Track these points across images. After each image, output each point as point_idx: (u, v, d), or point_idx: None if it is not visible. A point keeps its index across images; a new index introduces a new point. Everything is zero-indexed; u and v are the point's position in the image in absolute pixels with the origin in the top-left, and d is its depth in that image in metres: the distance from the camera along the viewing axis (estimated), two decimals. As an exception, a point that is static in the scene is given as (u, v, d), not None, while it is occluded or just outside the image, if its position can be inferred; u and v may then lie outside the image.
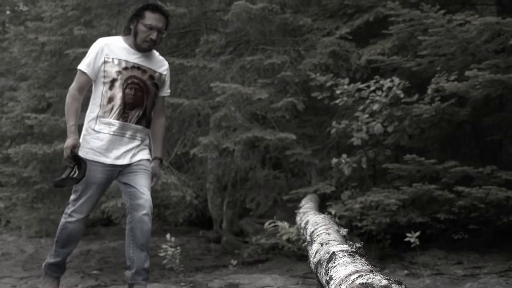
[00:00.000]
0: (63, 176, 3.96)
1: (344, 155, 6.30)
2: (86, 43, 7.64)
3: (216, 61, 7.25)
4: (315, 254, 3.01)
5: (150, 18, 4.13)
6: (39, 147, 7.10)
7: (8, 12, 16.46)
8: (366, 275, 2.12)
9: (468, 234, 6.38)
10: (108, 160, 4.06)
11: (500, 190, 5.42)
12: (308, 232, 3.96)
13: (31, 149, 7.09)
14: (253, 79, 7.20)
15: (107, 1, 8.05)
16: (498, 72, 5.50)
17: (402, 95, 5.99)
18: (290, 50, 7.33)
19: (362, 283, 2.04)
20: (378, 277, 2.06)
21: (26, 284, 6.44)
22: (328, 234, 3.36)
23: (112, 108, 4.06)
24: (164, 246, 5.75)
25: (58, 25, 8.03)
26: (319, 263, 2.82)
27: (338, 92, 6.31)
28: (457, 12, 6.14)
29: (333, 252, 2.63)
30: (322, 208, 6.03)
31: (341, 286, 2.17)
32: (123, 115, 4.05)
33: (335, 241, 3.07)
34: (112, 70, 4.04)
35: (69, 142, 3.92)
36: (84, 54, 7.33)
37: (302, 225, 4.66)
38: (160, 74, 4.21)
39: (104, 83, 4.08)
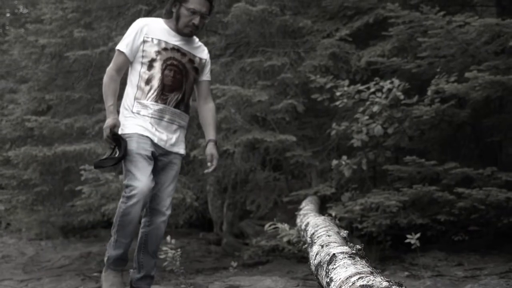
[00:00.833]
0: (104, 156, 3.84)
1: (344, 157, 6.30)
2: (86, 45, 7.66)
3: (216, 63, 7.25)
4: (316, 256, 3.01)
5: (194, 2, 3.94)
6: (39, 150, 7.10)
7: (8, 15, 16.46)
8: (367, 277, 2.12)
9: (468, 236, 6.38)
10: (155, 138, 3.93)
11: (501, 192, 5.42)
12: (309, 234, 3.96)
13: (31, 152, 7.09)
14: (253, 81, 7.20)
15: (107, 4, 8.06)
16: (498, 74, 5.50)
17: (402, 97, 5.99)
18: (290, 52, 7.33)
19: (363, 285, 2.04)
20: (378, 279, 2.06)
21: (27, 286, 6.44)
22: (329, 236, 3.36)
23: (150, 90, 3.93)
24: (164, 248, 5.74)
25: (58, 27, 8.03)
26: (319, 265, 2.82)
27: (338, 94, 6.32)
28: (456, 13, 6.15)
29: (334, 254, 2.63)
30: (322, 210, 6.03)
31: (342, 288, 2.17)
32: (161, 97, 3.93)
33: (336, 243, 3.06)
34: (151, 49, 3.92)
35: (108, 121, 3.80)
36: (84, 56, 7.42)
37: (303, 227, 4.66)
38: (200, 59, 4.10)
39: (142, 63, 3.95)
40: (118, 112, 3.96)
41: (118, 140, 3.79)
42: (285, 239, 6.03)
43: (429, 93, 5.92)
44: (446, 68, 6.06)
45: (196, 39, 4.15)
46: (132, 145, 3.82)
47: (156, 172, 3.95)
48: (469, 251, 6.13)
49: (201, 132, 7.85)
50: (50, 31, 8.09)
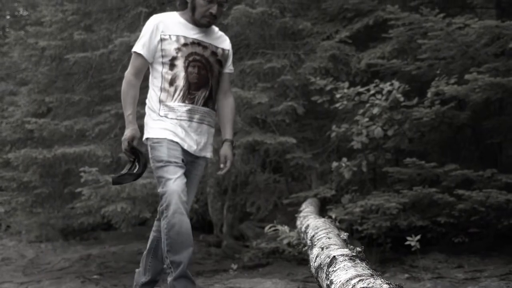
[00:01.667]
0: (123, 171, 3.62)
1: (344, 159, 6.30)
2: (86, 48, 7.66)
3: (216, 65, 7.25)
4: (316, 258, 3.01)
5: None
6: (39, 152, 7.10)
7: (8, 17, 16.47)
8: (367, 279, 2.11)
9: (468, 238, 6.37)
10: (185, 145, 3.71)
11: (501, 193, 5.42)
12: (309, 236, 3.96)
13: (31, 154, 7.08)
14: (253, 83, 7.21)
15: (107, 6, 8.06)
16: (498, 76, 5.51)
17: (402, 99, 6.00)
18: (290, 54, 7.33)
19: (363, 287, 2.04)
20: (378, 281, 2.06)
21: (27, 289, 6.44)
22: (329, 238, 3.36)
23: (175, 90, 3.67)
24: (164, 250, 5.74)
25: (58, 29, 8.03)
26: (319, 267, 2.82)
27: (338, 96, 6.32)
28: (456, 15, 6.15)
29: (334, 256, 2.63)
30: (322, 212, 6.03)
31: (342, 291, 2.17)
32: (188, 97, 3.68)
33: (336, 245, 3.06)
34: (171, 47, 3.66)
35: (127, 133, 3.59)
36: (84, 59, 7.43)
37: (303, 229, 4.66)
38: (223, 49, 3.85)
39: (163, 63, 3.69)
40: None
41: (137, 154, 3.58)
42: (285, 241, 6.03)
43: (429, 95, 5.92)
44: (446, 70, 6.06)
45: (216, 29, 3.90)
46: (163, 151, 3.62)
47: None
48: (469, 253, 6.13)
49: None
50: (50, 34, 8.10)
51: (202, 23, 3.73)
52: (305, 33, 7.34)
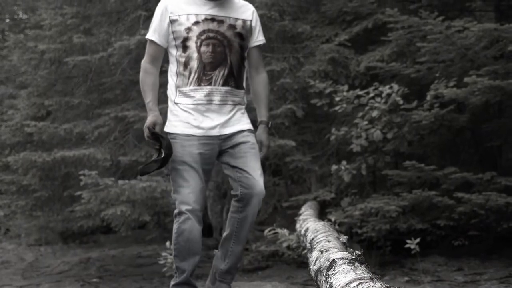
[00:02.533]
0: (149, 160, 3.44)
1: (344, 162, 6.30)
2: (86, 51, 7.66)
3: (216, 68, 7.25)
4: (315, 262, 3.01)
5: None
6: (39, 155, 7.10)
7: (7, 20, 16.47)
8: (366, 282, 2.11)
9: (468, 241, 6.37)
10: (201, 132, 3.43)
11: (500, 196, 5.42)
12: (308, 239, 3.96)
13: (31, 157, 7.09)
14: (252, 86, 7.20)
15: (107, 9, 8.06)
16: (497, 78, 5.51)
17: (401, 102, 6.00)
18: (289, 57, 7.34)
19: (362, 290, 2.03)
20: (378, 284, 2.06)
21: (26, 292, 6.44)
22: (328, 241, 3.36)
23: (190, 73, 3.44)
24: (164, 253, 5.75)
25: (58, 33, 8.04)
26: (319, 270, 2.81)
27: (337, 99, 6.32)
28: (455, 18, 6.15)
29: (333, 260, 2.62)
30: (322, 215, 6.02)
31: (341, 294, 2.17)
32: (204, 79, 3.42)
33: (335, 248, 3.06)
34: (181, 28, 3.41)
35: (148, 120, 3.41)
36: (83, 62, 7.43)
37: (302, 232, 4.66)
38: (244, 20, 3.51)
39: (176, 46, 3.46)
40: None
41: (159, 139, 3.35)
42: (284, 245, 6.03)
43: (428, 98, 5.93)
44: (445, 73, 6.07)
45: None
46: (177, 150, 3.40)
47: (236, 161, 3.46)
48: (469, 256, 6.13)
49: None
50: (50, 37, 8.10)
51: None
52: (305, 36, 7.34)
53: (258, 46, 3.63)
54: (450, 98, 5.69)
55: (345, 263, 2.53)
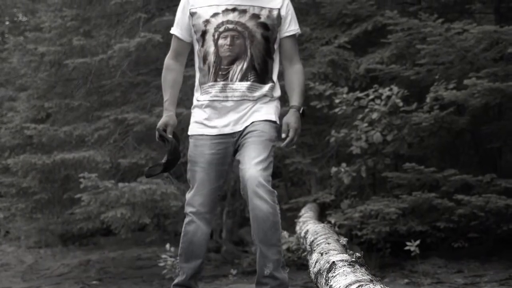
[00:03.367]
0: (155, 163, 3.38)
1: (344, 164, 6.30)
2: (85, 53, 7.66)
3: (215, 71, 7.24)
4: (315, 264, 3.01)
5: None
6: (38, 157, 7.09)
7: (7, 23, 16.47)
8: (366, 285, 2.11)
9: (468, 243, 6.37)
10: (214, 131, 3.28)
11: (500, 198, 5.42)
12: (308, 241, 3.96)
13: (30, 160, 7.08)
14: (252, 88, 7.20)
15: (106, 12, 8.06)
16: (497, 81, 5.51)
17: (401, 104, 6.00)
18: (289, 59, 7.33)
19: (362, 293, 2.03)
20: (378, 286, 2.06)
21: (26, 295, 6.43)
22: (328, 243, 3.35)
23: (208, 69, 3.28)
24: (163, 256, 5.75)
25: (57, 35, 8.03)
26: (319, 272, 2.81)
27: (337, 101, 6.32)
28: (455, 20, 6.16)
29: (333, 262, 2.62)
30: (321, 217, 6.02)
31: (341, 296, 2.17)
32: (220, 74, 3.24)
33: (335, 250, 3.06)
34: (199, 21, 3.26)
35: (160, 120, 3.32)
36: (83, 64, 7.43)
37: (302, 234, 4.65)
38: (271, 9, 3.28)
39: (197, 40, 3.32)
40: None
41: (167, 142, 3.27)
42: (284, 247, 6.02)
43: (428, 100, 5.93)
44: (445, 75, 6.07)
45: None
46: (191, 150, 3.31)
47: (239, 154, 3.25)
48: (469, 258, 6.12)
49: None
50: (49, 39, 8.10)
51: None
52: (304, 38, 7.34)
53: (291, 36, 3.38)
54: (450, 100, 5.69)
55: (345, 265, 2.53)
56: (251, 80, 3.26)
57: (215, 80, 3.26)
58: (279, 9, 3.30)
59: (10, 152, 8.30)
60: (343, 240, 3.59)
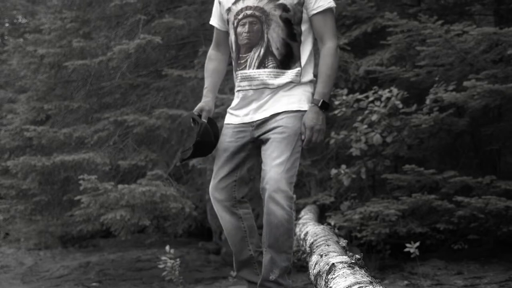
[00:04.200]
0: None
1: (343, 166, 6.30)
2: (85, 55, 7.67)
3: (215, 72, 7.24)
4: (315, 266, 3.01)
5: None
6: (38, 159, 7.10)
7: (7, 25, 16.49)
8: (366, 286, 2.11)
9: (468, 244, 6.37)
10: (237, 120, 3.24)
11: (500, 200, 5.41)
12: (308, 243, 3.96)
13: (30, 161, 7.09)
14: (251, 90, 7.20)
15: (106, 13, 8.07)
16: (497, 82, 5.51)
17: (400, 106, 6.00)
18: (288, 61, 7.33)
19: (362, 294, 2.03)
20: (378, 288, 2.05)
21: (25, 296, 6.43)
22: (328, 245, 3.35)
23: (233, 58, 3.28)
24: (163, 257, 5.74)
25: (57, 37, 8.04)
26: (318, 274, 2.81)
27: (336, 102, 6.32)
28: (454, 22, 6.16)
29: (333, 264, 2.62)
30: (321, 219, 6.02)
31: (341, 298, 2.17)
32: (240, 63, 3.19)
33: (335, 252, 3.06)
34: (223, 10, 3.24)
35: (197, 106, 3.28)
36: (83, 66, 7.44)
37: (302, 236, 4.65)
38: None
39: (228, 29, 3.29)
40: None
41: (197, 123, 3.22)
42: (284, 249, 6.01)
43: (427, 101, 5.93)
44: (445, 77, 6.07)
45: None
46: (220, 138, 3.28)
47: (262, 149, 3.18)
48: (468, 260, 6.12)
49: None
50: (49, 41, 8.11)
51: None
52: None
53: (319, 13, 3.13)
54: (449, 102, 5.69)
55: (344, 267, 2.53)
56: (270, 67, 3.14)
57: (237, 70, 3.23)
58: None
59: (9, 154, 8.31)
60: (343, 242, 3.59)
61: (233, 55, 3.26)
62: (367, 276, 2.35)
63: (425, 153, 6.64)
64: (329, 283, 2.47)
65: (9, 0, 14.96)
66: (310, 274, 3.14)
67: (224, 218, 3.26)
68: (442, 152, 6.81)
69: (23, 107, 8.31)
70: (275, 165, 3.02)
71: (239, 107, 3.24)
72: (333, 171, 6.32)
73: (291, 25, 3.12)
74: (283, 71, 3.14)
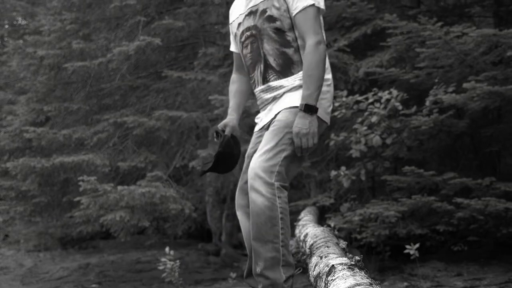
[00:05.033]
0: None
1: (343, 167, 6.30)
2: (85, 57, 7.67)
3: (215, 74, 7.26)
4: (315, 267, 3.00)
5: None
6: (38, 161, 7.10)
7: (6, 26, 16.49)
8: (366, 288, 2.11)
9: (467, 246, 6.37)
10: (257, 127, 3.36)
11: (499, 202, 5.41)
12: (307, 244, 3.95)
13: (30, 163, 7.08)
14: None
15: (106, 15, 8.07)
16: (496, 84, 5.52)
17: (400, 107, 6.00)
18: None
19: (362, 296, 2.03)
20: (377, 290, 2.05)
21: (25, 298, 6.42)
22: (328, 247, 3.35)
23: (249, 79, 3.33)
24: (163, 259, 5.74)
25: (57, 38, 8.05)
26: (318, 276, 2.81)
27: (336, 104, 6.32)
28: (454, 24, 6.17)
29: (333, 265, 2.62)
30: (321, 220, 6.02)
31: (341, 300, 2.17)
32: (251, 82, 3.28)
33: (334, 254, 3.06)
34: (233, 36, 3.33)
35: (221, 122, 3.34)
36: (82, 68, 7.44)
37: (301, 237, 4.65)
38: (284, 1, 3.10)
39: None
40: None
41: (220, 136, 3.29)
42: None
43: (427, 103, 5.93)
44: (444, 79, 6.07)
45: None
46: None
47: None
48: (468, 261, 6.12)
49: (200, 143, 7.85)
50: (49, 43, 8.11)
51: None
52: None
53: (299, 13, 3.06)
54: (449, 103, 5.69)
55: (344, 268, 2.53)
56: (271, 80, 3.15)
57: (253, 90, 3.31)
58: None
59: (9, 155, 8.31)
60: (343, 244, 3.58)
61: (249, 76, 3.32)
62: (367, 278, 2.35)
63: (425, 155, 6.64)
64: (328, 284, 2.47)
65: (9, 2, 14.95)
66: (310, 275, 3.14)
67: (243, 223, 3.24)
68: (441, 153, 6.82)
69: (23, 109, 8.31)
70: (258, 155, 3.01)
71: (259, 115, 3.34)
72: (333, 173, 6.32)
73: (284, 33, 3.11)
74: (286, 78, 3.13)
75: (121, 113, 7.51)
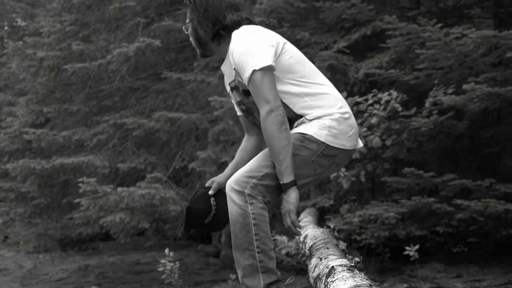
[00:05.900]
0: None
1: (343, 169, 6.30)
2: (84, 58, 7.67)
3: (214, 75, 7.26)
4: (314, 269, 3.00)
5: None
6: (37, 162, 7.09)
7: (6, 28, 16.50)
8: (365, 289, 2.11)
9: (467, 247, 6.37)
10: None
11: (499, 203, 5.41)
12: (307, 246, 3.95)
13: (29, 164, 7.08)
14: (251, 93, 7.21)
15: (105, 16, 8.07)
16: (496, 85, 5.52)
17: (400, 109, 6.00)
18: (288, 64, 7.33)
19: (362, 297, 2.03)
20: (377, 291, 2.05)
21: (24, 300, 6.42)
22: (327, 248, 3.35)
23: None
24: (162, 260, 5.74)
25: (57, 40, 8.05)
26: (318, 277, 2.81)
27: (336, 105, 6.32)
28: (454, 25, 6.17)
29: (332, 267, 2.62)
30: (321, 221, 6.02)
31: (341, 301, 2.17)
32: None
33: (334, 255, 3.05)
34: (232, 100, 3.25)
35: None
36: (82, 69, 7.44)
37: (301, 239, 4.65)
38: (236, 71, 2.96)
39: None
40: None
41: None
42: (283, 251, 6.02)
43: (427, 104, 5.93)
44: (444, 80, 6.08)
45: (230, 49, 2.98)
46: None
47: None
48: (468, 263, 6.12)
49: (199, 144, 7.85)
50: (49, 44, 8.11)
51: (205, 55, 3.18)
52: (303, 43, 7.35)
53: (248, 85, 2.90)
54: (448, 105, 5.70)
55: (344, 270, 2.52)
56: (295, 127, 2.98)
57: None
58: (235, 68, 2.96)
59: (9, 157, 8.30)
60: (342, 245, 3.58)
61: None
62: (367, 279, 2.35)
63: (425, 156, 6.64)
64: (328, 286, 2.47)
65: (9, 3, 14.97)
66: (310, 277, 3.13)
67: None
68: (441, 155, 6.82)
69: (23, 110, 8.30)
70: (241, 169, 2.94)
71: None
72: (333, 174, 6.32)
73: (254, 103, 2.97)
74: (285, 132, 2.86)
75: (121, 114, 7.51)
